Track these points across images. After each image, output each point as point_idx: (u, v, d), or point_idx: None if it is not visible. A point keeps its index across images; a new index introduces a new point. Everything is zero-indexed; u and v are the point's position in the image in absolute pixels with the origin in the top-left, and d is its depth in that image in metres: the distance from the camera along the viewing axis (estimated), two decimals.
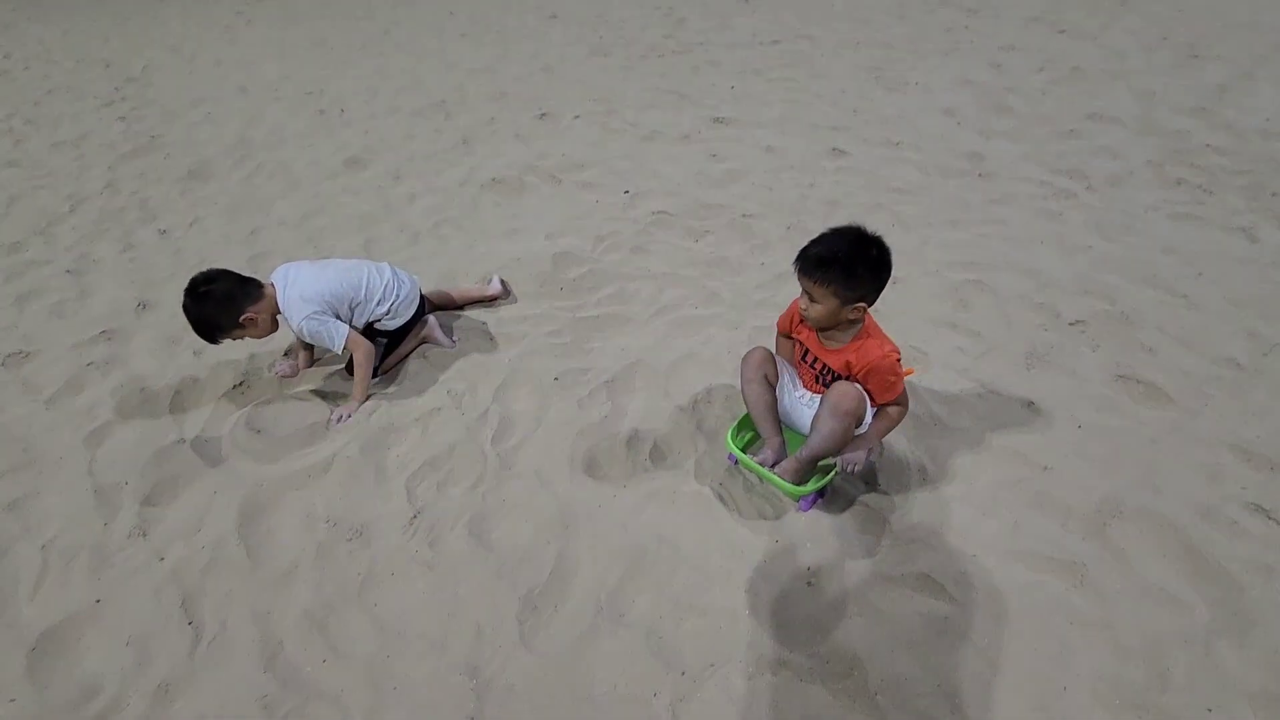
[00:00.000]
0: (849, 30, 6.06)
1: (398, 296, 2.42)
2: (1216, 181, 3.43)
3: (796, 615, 1.64)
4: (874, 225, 3.05)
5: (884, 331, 1.83)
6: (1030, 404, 2.20)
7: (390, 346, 2.50)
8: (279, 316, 2.29)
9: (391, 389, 2.38)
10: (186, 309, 2.17)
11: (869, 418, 1.85)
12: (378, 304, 2.38)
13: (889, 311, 2.64)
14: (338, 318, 2.28)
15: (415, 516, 1.92)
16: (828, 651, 1.56)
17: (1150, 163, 3.66)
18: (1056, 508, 1.86)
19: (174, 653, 1.62)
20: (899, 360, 1.76)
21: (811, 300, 1.74)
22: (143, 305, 2.88)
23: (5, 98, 5.56)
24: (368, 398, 2.32)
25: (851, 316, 1.73)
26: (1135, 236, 3.06)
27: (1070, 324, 2.54)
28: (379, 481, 2.04)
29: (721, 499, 1.93)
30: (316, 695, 1.53)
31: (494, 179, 3.80)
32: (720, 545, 1.81)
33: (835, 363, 1.82)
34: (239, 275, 2.25)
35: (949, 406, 2.20)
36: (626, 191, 3.62)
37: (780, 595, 1.68)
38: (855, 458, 1.90)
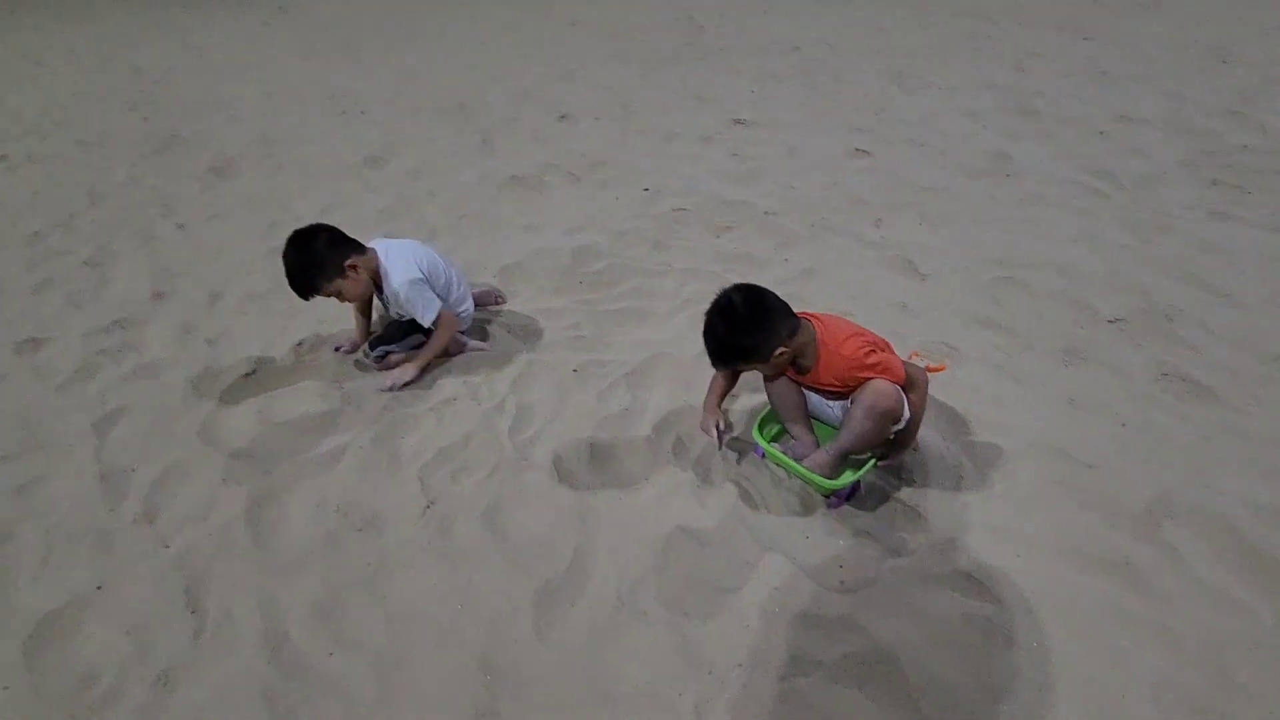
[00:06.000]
0: (869, 37, 6.03)
1: (460, 294, 2.39)
2: (1253, 181, 3.33)
3: (829, 614, 1.54)
4: (899, 223, 2.99)
5: (843, 327, 1.76)
6: (1071, 400, 2.10)
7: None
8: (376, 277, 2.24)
9: (380, 380, 2.31)
10: (288, 256, 2.12)
11: (907, 413, 1.76)
12: (447, 293, 2.34)
13: (919, 307, 2.56)
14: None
15: (429, 506, 1.85)
16: (864, 653, 1.46)
17: (1183, 163, 3.56)
18: (1103, 506, 1.76)
19: (175, 641, 1.55)
20: (867, 349, 1.69)
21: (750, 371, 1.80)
22: (158, 295, 2.86)
23: (35, 99, 5.63)
24: (423, 373, 2.29)
25: (786, 360, 1.71)
26: (1171, 235, 2.96)
27: (1109, 321, 2.44)
28: (391, 471, 1.97)
29: (748, 493, 1.85)
30: (322, 687, 1.45)
31: (513, 176, 3.77)
32: (747, 540, 1.72)
33: (822, 383, 1.78)
34: (341, 231, 2.21)
35: (986, 403, 2.10)
36: (646, 189, 3.57)
37: (812, 593, 1.59)
38: (894, 460, 1.82)
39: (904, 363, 1.72)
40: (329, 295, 2.17)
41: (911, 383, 1.73)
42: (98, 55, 6.88)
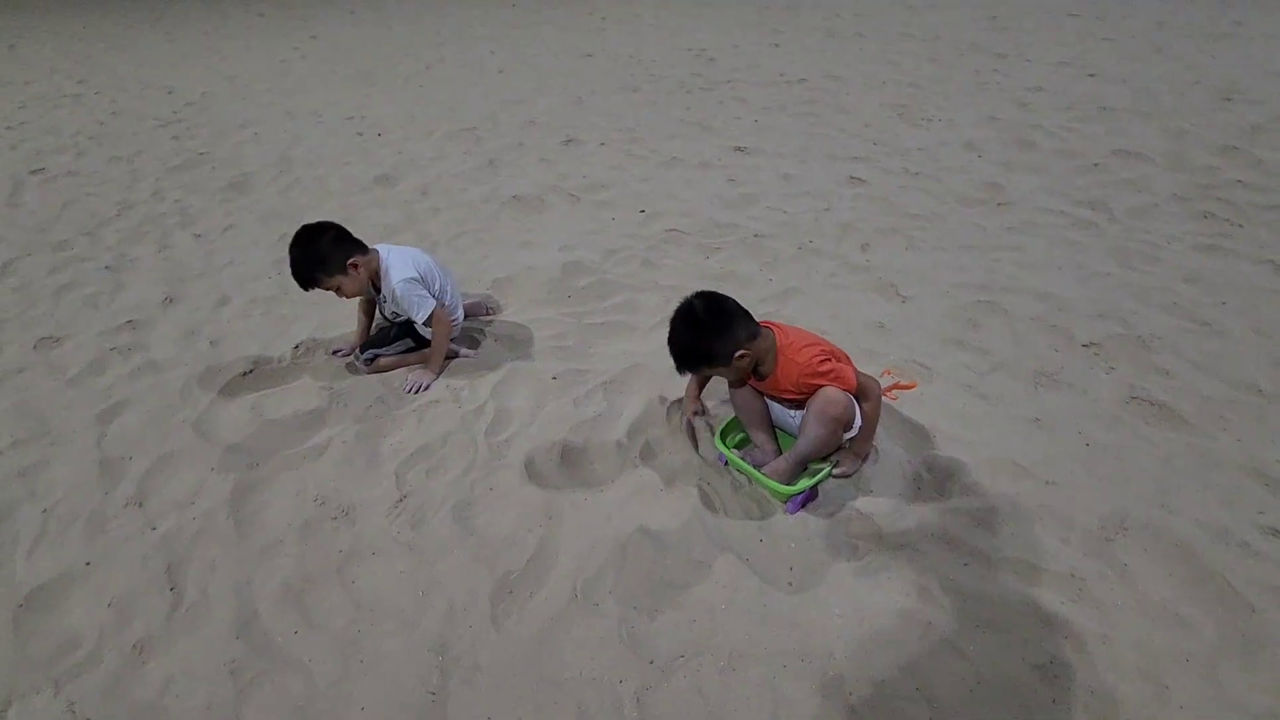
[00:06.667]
0: (876, 71, 6.16)
1: (452, 303, 2.50)
2: (1245, 215, 3.35)
3: (775, 612, 1.58)
4: (886, 248, 3.05)
5: (802, 336, 1.82)
6: (1036, 420, 2.14)
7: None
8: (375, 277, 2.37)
9: (397, 383, 2.42)
10: (294, 248, 2.23)
11: (859, 421, 1.82)
12: (441, 299, 2.45)
13: (896, 328, 2.61)
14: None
15: (401, 499, 1.93)
16: (804, 649, 1.50)
17: (1177, 196, 3.60)
18: (1058, 521, 1.78)
19: (153, 615, 1.64)
20: (821, 357, 1.75)
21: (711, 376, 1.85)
22: (169, 299, 3.01)
23: (74, 118, 5.95)
24: (440, 373, 2.43)
25: (748, 364, 1.76)
26: (1157, 265, 2.99)
27: (1083, 345, 2.48)
28: (370, 466, 2.06)
29: (708, 497, 1.90)
30: (285, 663, 1.52)
31: (515, 196, 3.91)
32: (703, 541, 1.77)
33: (779, 389, 1.83)
34: (347, 229, 2.35)
35: (951, 419, 2.14)
36: (642, 210, 3.68)
37: (760, 592, 1.63)
38: (850, 468, 1.87)
39: (858, 372, 1.78)
40: (328, 289, 2.29)
41: (864, 391, 1.78)
42: (136, 79, 7.24)
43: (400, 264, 2.34)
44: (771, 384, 1.83)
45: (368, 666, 1.51)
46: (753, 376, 1.86)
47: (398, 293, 2.30)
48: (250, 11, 11.41)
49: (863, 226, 3.43)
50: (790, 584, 1.65)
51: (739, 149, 4.50)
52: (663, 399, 2.26)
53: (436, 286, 2.42)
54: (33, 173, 4.64)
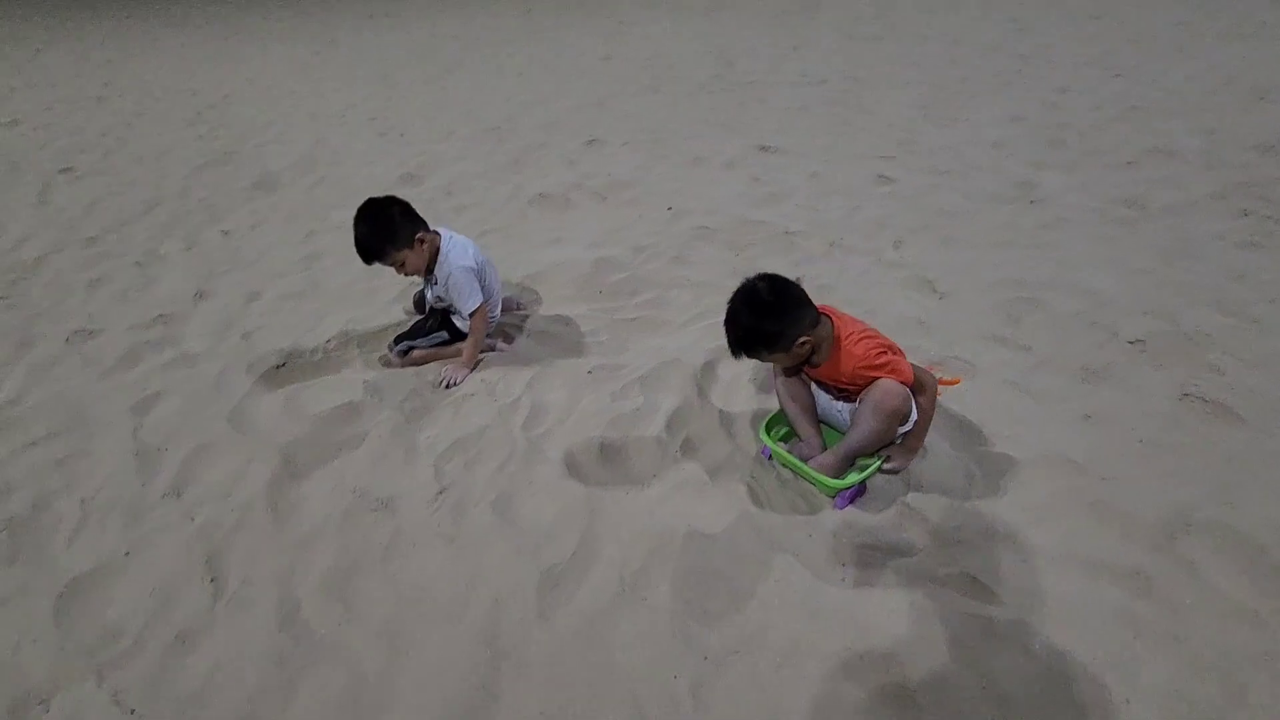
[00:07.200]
0: (898, 72, 6.12)
1: (495, 300, 2.50)
2: None
3: (829, 609, 1.54)
4: (919, 245, 3.00)
5: (857, 326, 1.78)
6: (1087, 417, 2.08)
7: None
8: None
9: (430, 377, 2.40)
10: (362, 220, 2.20)
11: (914, 415, 1.77)
12: (488, 295, 2.44)
13: (935, 324, 2.57)
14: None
15: (441, 492, 1.90)
16: (863, 647, 1.45)
17: (1214, 194, 3.53)
18: (1116, 517, 1.73)
19: (194, 606, 1.61)
20: (878, 350, 1.71)
21: (769, 362, 1.78)
22: (200, 295, 3.00)
23: (100, 119, 6.00)
24: (473, 368, 2.40)
25: (807, 350, 1.71)
26: (1200, 262, 2.92)
27: (1129, 342, 2.42)
28: (408, 459, 2.03)
29: (754, 492, 1.86)
30: (329, 655, 1.49)
31: (540, 194, 3.89)
32: (751, 536, 1.73)
33: (831, 379, 1.79)
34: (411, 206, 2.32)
35: (998, 416, 2.09)
36: (669, 208, 3.66)
37: (813, 588, 1.59)
38: (901, 463, 1.82)
39: (913, 366, 1.74)
40: (391, 264, 2.26)
41: (920, 386, 1.74)
42: (159, 83, 7.32)
43: (461, 251, 2.34)
44: (824, 372, 1.78)
45: (414, 659, 1.48)
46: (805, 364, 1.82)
47: (453, 278, 2.29)
48: (269, 18, 11.52)
49: (894, 224, 3.39)
50: (844, 580, 1.60)
51: (764, 148, 4.47)
52: (701, 393, 2.23)
53: (485, 283, 2.42)
54: (61, 171, 4.67)
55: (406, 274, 2.33)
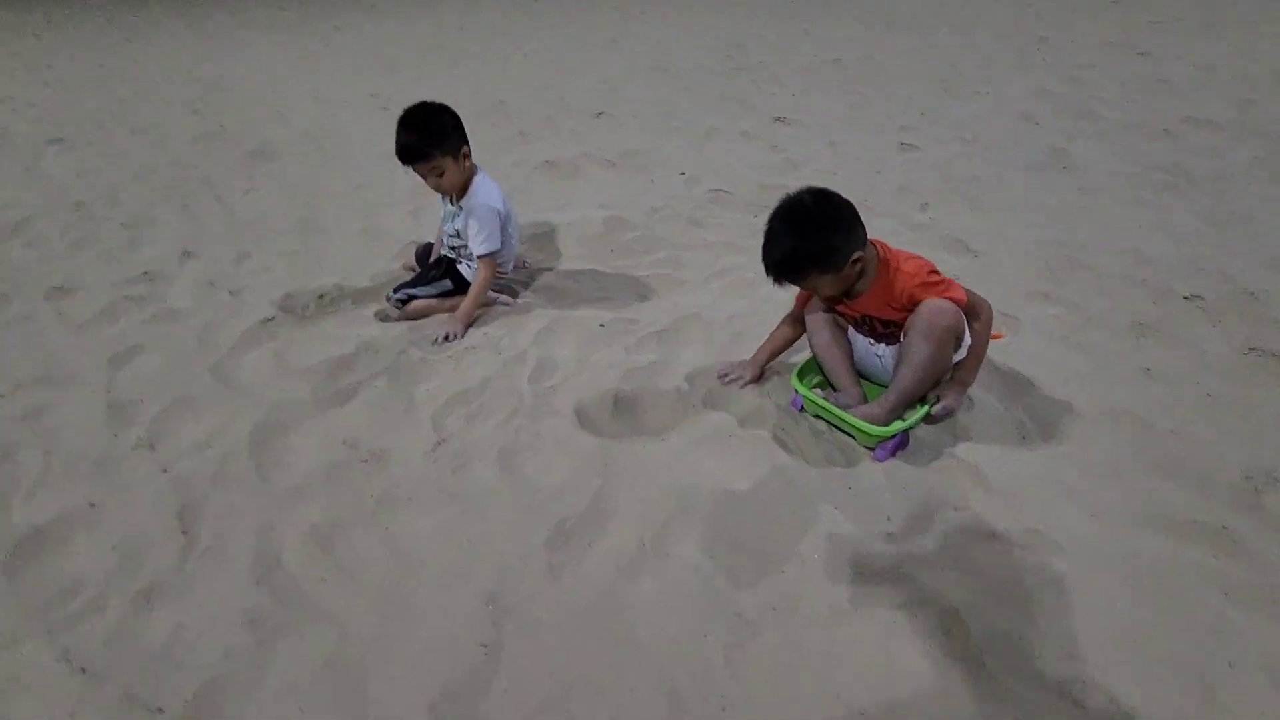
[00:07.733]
0: (914, 51, 5.96)
1: (509, 252, 2.37)
2: None
3: (876, 565, 1.36)
4: (948, 208, 2.83)
5: (904, 251, 1.62)
6: (1147, 370, 1.91)
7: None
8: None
9: (427, 332, 2.23)
10: (412, 119, 2.10)
11: (968, 339, 1.60)
12: (505, 244, 2.31)
13: (971, 281, 2.38)
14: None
15: (439, 444, 1.73)
16: (915, 604, 1.28)
17: (1257, 160, 3.36)
18: (1190, 474, 1.55)
19: (163, 561, 1.44)
20: (929, 269, 1.56)
21: (813, 288, 1.58)
22: (187, 254, 2.84)
23: (96, 96, 5.85)
24: (471, 323, 2.24)
25: (857, 270, 1.53)
26: (1252, 224, 2.75)
27: (1184, 298, 2.24)
28: (405, 411, 1.86)
29: (784, 444, 1.69)
30: (313, 614, 1.32)
31: (548, 161, 3.73)
32: (782, 490, 1.55)
33: (876, 309, 1.61)
34: None
35: (1047, 370, 1.91)
36: (683, 173, 3.49)
37: (856, 544, 1.41)
38: (954, 403, 1.64)
39: (968, 290, 1.57)
40: (425, 173, 2.14)
41: (974, 309, 1.57)
42: (161, 67, 7.18)
43: (493, 190, 2.24)
44: (868, 302, 1.61)
45: (408, 618, 1.31)
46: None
47: (478, 212, 2.17)
48: (272, 6, 11.40)
49: (919, 188, 3.22)
50: (890, 535, 1.43)
51: (780, 119, 4.31)
52: (722, 349, 2.05)
53: (507, 231, 2.29)
54: (51, 142, 4.52)
55: (441, 188, 2.20)
